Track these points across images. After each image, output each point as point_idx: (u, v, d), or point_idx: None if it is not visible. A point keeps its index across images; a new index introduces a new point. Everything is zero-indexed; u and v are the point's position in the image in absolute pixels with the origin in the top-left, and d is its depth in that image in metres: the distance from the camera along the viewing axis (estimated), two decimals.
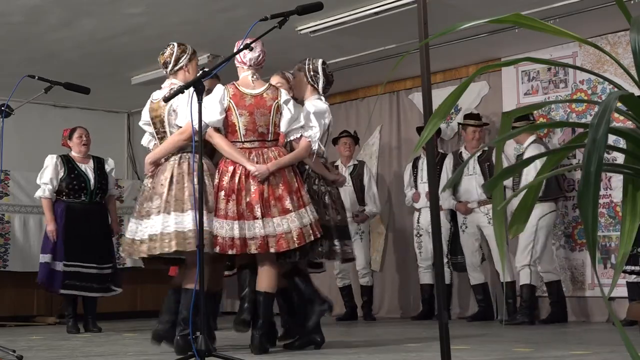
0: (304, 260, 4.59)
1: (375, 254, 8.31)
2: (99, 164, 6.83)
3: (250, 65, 4.48)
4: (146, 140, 4.84)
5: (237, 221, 4.30)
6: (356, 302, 7.95)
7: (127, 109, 9.71)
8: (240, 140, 4.42)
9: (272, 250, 4.30)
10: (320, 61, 4.82)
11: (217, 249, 4.30)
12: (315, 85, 4.78)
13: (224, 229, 4.30)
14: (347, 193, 7.42)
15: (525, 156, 6.60)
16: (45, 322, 7.88)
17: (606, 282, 6.43)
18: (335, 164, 7.78)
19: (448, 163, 7.40)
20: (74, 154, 6.80)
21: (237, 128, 4.41)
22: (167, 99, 4.04)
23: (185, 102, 4.31)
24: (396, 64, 3.43)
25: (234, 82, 4.50)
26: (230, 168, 4.38)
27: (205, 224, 4.32)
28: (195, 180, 4.42)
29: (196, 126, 4.23)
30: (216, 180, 4.41)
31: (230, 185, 4.35)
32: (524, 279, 6.61)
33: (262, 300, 4.37)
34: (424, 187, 7.58)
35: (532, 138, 6.80)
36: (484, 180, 7.07)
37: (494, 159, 6.95)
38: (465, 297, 7.78)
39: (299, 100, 4.82)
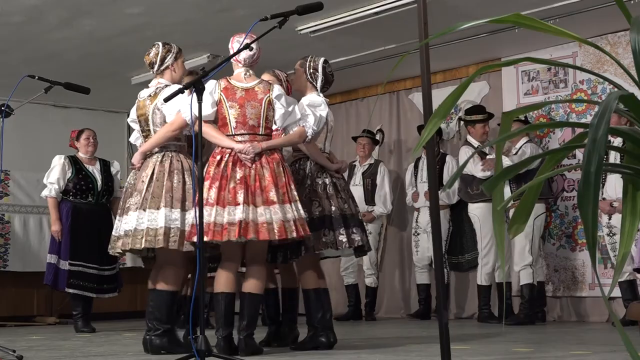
0: (309, 253, 4.53)
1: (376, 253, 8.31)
2: (105, 166, 6.88)
3: (245, 64, 4.46)
4: (134, 138, 4.93)
5: (215, 207, 4.16)
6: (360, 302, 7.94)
7: (127, 109, 9.61)
8: (231, 133, 4.35)
9: (251, 236, 4.14)
10: (322, 60, 4.82)
11: (194, 238, 4.15)
12: (314, 83, 4.77)
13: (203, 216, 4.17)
14: (357, 192, 7.42)
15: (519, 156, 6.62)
16: (45, 322, 7.88)
17: (606, 282, 6.43)
18: (354, 163, 7.82)
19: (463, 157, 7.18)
20: (81, 155, 6.84)
21: (228, 121, 4.35)
22: (167, 99, 4.04)
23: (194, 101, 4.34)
24: (396, 64, 3.44)
25: (227, 77, 4.48)
26: (218, 157, 4.30)
27: (178, 222, 4.36)
28: (188, 179, 4.47)
29: (188, 120, 4.27)
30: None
31: (215, 172, 4.25)
32: (525, 278, 6.59)
33: (247, 302, 4.31)
34: (423, 187, 7.58)
35: (525, 138, 6.79)
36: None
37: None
38: (463, 297, 7.78)
39: (294, 95, 4.82)
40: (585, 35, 6.18)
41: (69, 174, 6.66)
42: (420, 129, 7.82)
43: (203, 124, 4.18)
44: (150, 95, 4.68)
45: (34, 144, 8.54)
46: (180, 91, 3.75)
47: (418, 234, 7.65)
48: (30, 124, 8.61)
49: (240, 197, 4.16)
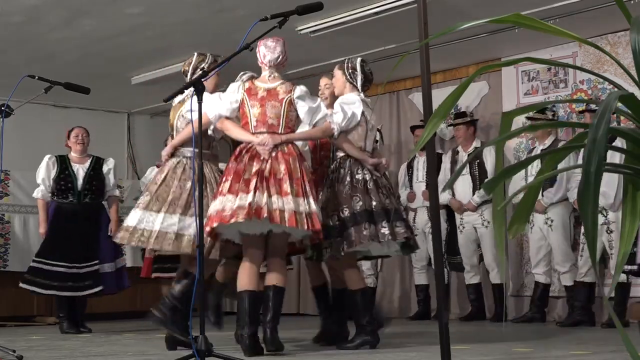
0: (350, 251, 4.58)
1: None
2: (97, 164, 6.74)
3: (270, 66, 4.55)
4: None
5: (226, 195, 4.24)
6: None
7: (127, 109, 9.70)
8: (251, 131, 4.46)
9: (263, 216, 4.17)
10: (359, 59, 4.93)
11: (207, 228, 4.21)
12: (354, 83, 4.85)
13: (215, 206, 4.29)
14: None
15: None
16: (45, 322, 7.88)
17: (606, 281, 6.43)
18: None
19: (446, 161, 7.41)
20: (72, 154, 6.77)
21: (249, 119, 4.49)
22: (167, 99, 4.07)
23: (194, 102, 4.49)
24: (396, 64, 3.44)
25: (253, 79, 4.62)
26: (237, 152, 4.43)
27: (175, 227, 4.53)
28: (189, 183, 4.55)
29: (196, 127, 4.31)
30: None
31: (231, 166, 4.36)
32: (570, 279, 6.53)
33: (272, 295, 4.33)
34: (419, 187, 7.59)
35: (552, 137, 6.72)
36: (471, 181, 7.09)
37: (483, 158, 7.05)
38: (464, 297, 7.77)
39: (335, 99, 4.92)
40: (585, 35, 6.18)
41: (53, 174, 6.59)
42: (413, 129, 7.84)
43: (227, 121, 4.55)
44: (179, 102, 4.87)
45: (34, 144, 8.53)
46: (181, 91, 3.77)
47: (416, 235, 7.63)
48: (30, 124, 8.61)
49: (252, 186, 4.23)
